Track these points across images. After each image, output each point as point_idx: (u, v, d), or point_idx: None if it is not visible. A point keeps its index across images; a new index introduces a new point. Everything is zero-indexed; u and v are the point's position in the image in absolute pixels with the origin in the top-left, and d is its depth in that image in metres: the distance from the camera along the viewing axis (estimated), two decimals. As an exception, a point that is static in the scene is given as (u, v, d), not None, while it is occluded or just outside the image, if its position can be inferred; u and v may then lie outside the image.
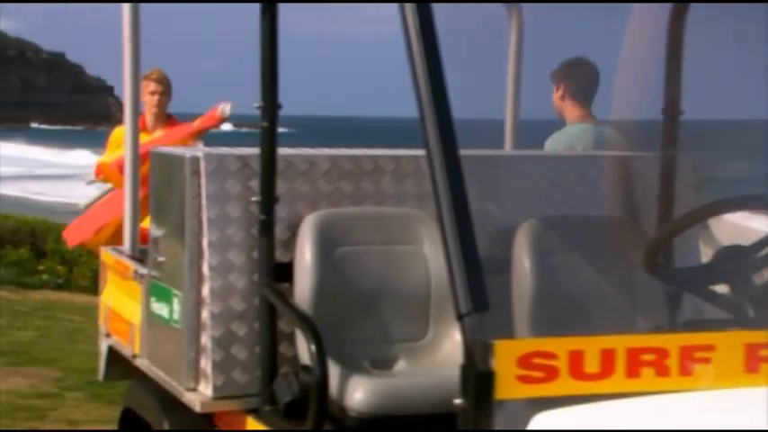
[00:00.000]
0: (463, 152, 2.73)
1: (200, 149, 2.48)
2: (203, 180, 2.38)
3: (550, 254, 2.33)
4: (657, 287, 2.21)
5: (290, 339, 2.39)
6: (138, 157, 3.07)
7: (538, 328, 2.23)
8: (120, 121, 4.21)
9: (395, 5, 1.65)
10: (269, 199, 2.30)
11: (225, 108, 4.24)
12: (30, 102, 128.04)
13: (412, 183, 2.55)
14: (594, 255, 2.32)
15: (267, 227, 2.31)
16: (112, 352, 3.03)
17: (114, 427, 4.58)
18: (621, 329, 2.21)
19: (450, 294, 2.38)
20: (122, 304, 2.92)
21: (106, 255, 3.10)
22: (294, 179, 2.45)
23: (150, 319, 2.65)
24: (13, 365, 5.66)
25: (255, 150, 2.45)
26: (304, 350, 2.25)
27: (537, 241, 2.31)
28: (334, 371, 2.14)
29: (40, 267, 11.64)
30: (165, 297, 2.54)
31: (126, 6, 2.97)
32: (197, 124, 4.42)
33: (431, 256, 2.41)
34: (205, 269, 2.38)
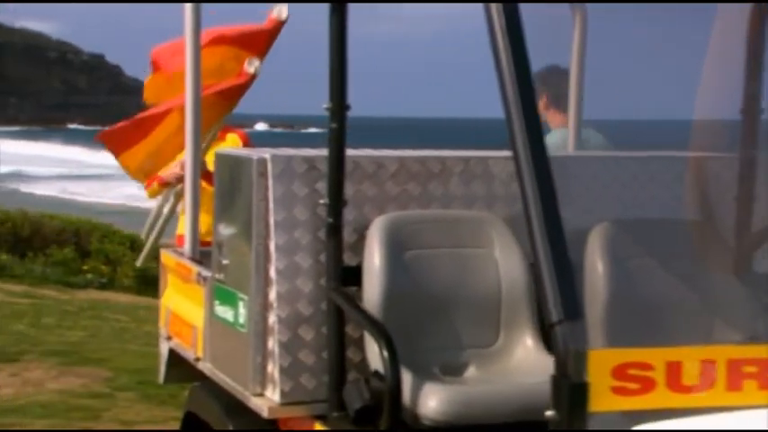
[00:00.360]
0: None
1: (267, 151, 2.45)
2: (270, 182, 2.35)
3: (625, 258, 2.27)
4: (745, 294, 2.13)
5: (358, 344, 2.36)
6: (200, 160, 3.05)
7: (611, 336, 2.16)
8: None
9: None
10: (337, 202, 2.26)
11: (253, 63, 3.59)
12: (70, 103, 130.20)
13: (480, 185, 2.50)
14: (672, 259, 2.25)
15: (335, 230, 2.27)
16: (173, 355, 3.02)
17: (166, 427, 4.62)
18: (702, 339, 2.14)
19: (521, 299, 2.35)
20: (184, 307, 2.90)
21: (167, 257, 3.09)
22: (361, 181, 2.41)
23: (214, 322, 2.63)
24: (64, 365, 5.72)
25: (322, 152, 2.42)
26: (374, 356, 2.21)
27: (611, 245, 2.25)
28: (405, 377, 2.09)
29: (85, 267, 11.80)
30: (229, 300, 2.52)
31: (188, 6, 2.96)
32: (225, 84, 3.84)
33: (501, 259, 2.35)
34: (272, 273, 2.35)
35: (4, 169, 41.11)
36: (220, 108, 3.64)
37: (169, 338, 3.01)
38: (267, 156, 2.37)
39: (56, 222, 12.52)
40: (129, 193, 33.53)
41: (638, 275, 2.26)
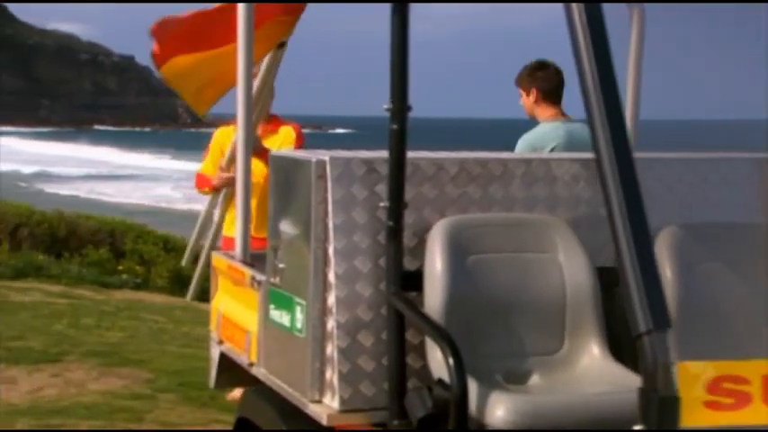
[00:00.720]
0: (586, 155, 2.63)
1: (325, 152, 2.41)
2: (330, 185, 2.31)
3: (693, 263, 2.20)
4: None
5: (417, 351, 2.31)
6: (251, 161, 3.02)
7: (680, 345, 2.09)
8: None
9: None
10: (398, 205, 2.22)
11: None
12: (100, 104, 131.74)
13: (542, 187, 2.44)
14: (744, 265, 2.18)
15: (395, 234, 2.23)
16: (224, 359, 2.99)
17: (210, 429, 4.60)
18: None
19: (586, 305, 2.29)
20: (236, 311, 2.87)
21: (218, 260, 3.07)
22: (421, 184, 2.36)
23: (269, 327, 2.59)
24: (105, 366, 5.73)
25: (380, 153, 2.38)
26: (437, 363, 2.16)
27: (678, 250, 2.18)
28: (470, 386, 2.04)
29: (120, 267, 11.87)
30: (285, 305, 2.48)
31: (241, 6, 2.94)
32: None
33: (566, 263, 2.29)
34: (331, 277, 2.31)
35: (30, 170, 41.73)
36: (280, 30, 3.49)
37: (220, 342, 2.98)
38: (326, 158, 2.33)
39: (91, 223, 12.62)
40: (155, 194, 33.95)
41: (706, 281, 2.20)
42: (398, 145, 2.21)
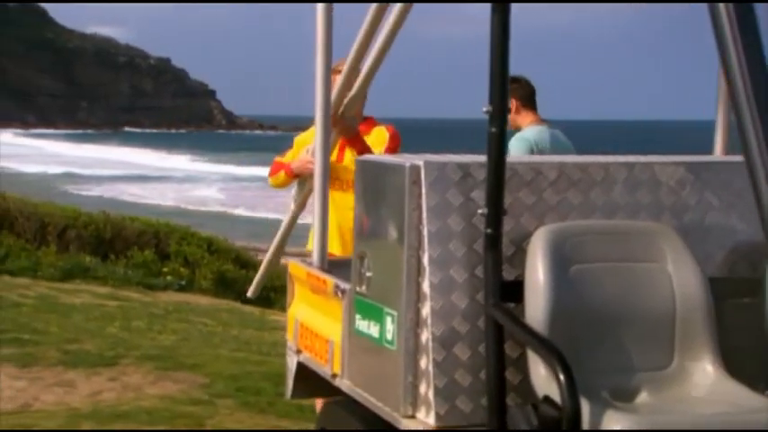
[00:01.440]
0: (692, 158, 2.50)
1: (419, 157, 2.31)
2: (424, 190, 2.21)
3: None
4: None
5: (515, 365, 2.20)
6: (329, 164, 2.94)
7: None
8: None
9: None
10: (497, 211, 2.12)
11: None
12: (137, 106, 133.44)
13: (645, 193, 2.32)
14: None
15: (494, 242, 2.12)
16: (301, 369, 2.90)
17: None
18: None
19: (698, 318, 2.16)
20: (316, 320, 2.79)
21: (295, 267, 2.98)
22: (519, 189, 2.26)
23: (354, 337, 2.50)
24: (160, 369, 5.70)
25: (476, 158, 2.28)
26: (541, 379, 2.05)
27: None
28: None
29: (164, 269, 11.92)
30: (374, 315, 2.39)
31: (320, 7, 2.86)
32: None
33: (675, 274, 2.17)
34: (425, 287, 2.21)
35: (56, 170, 42.43)
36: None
37: (298, 352, 2.90)
38: (420, 162, 2.23)
39: (136, 225, 12.69)
40: (183, 196, 34.18)
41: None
42: (498, 149, 2.11)
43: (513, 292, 2.17)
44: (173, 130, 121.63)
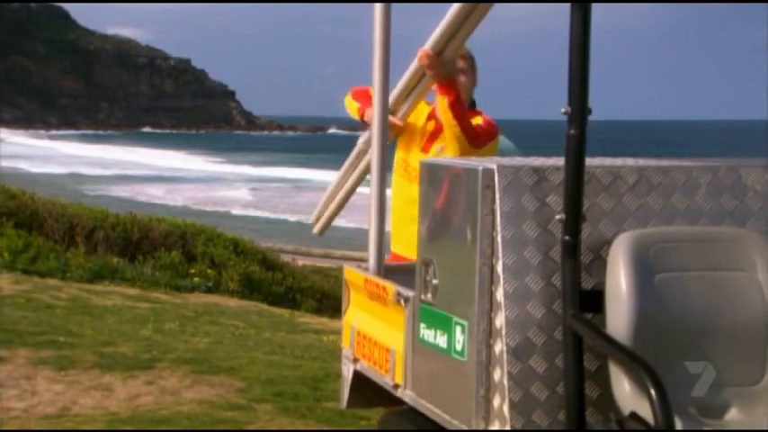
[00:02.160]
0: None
1: (491, 160, 2.23)
2: (498, 195, 2.13)
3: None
4: None
5: (594, 378, 2.11)
6: (386, 159, 2.85)
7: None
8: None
9: None
10: (576, 217, 2.02)
11: None
12: (157, 107, 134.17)
13: (730, 198, 2.22)
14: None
15: (572, 249, 2.03)
16: (357, 378, 2.83)
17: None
18: None
19: None
20: (375, 328, 2.71)
21: (351, 273, 2.91)
22: (596, 194, 2.16)
23: (419, 347, 2.42)
24: (196, 373, 5.65)
25: (550, 161, 2.19)
26: (626, 394, 1.96)
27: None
28: None
29: (192, 270, 11.89)
30: (441, 325, 2.31)
31: (378, 6, 2.78)
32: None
33: (766, 284, 2.07)
34: (499, 296, 2.12)
35: (62, 170, 43.00)
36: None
37: (356, 361, 2.82)
38: (493, 166, 2.15)
39: (163, 226, 12.66)
40: (191, 196, 34.32)
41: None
42: (577, 152, 2.02)
43: (592, 301, 2.08)
44: (192, 131, 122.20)
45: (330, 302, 12.96)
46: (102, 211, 12.21)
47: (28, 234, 10.76)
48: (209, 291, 11.42)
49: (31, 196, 11.78)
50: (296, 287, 12.72)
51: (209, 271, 12.07)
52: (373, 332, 2.71)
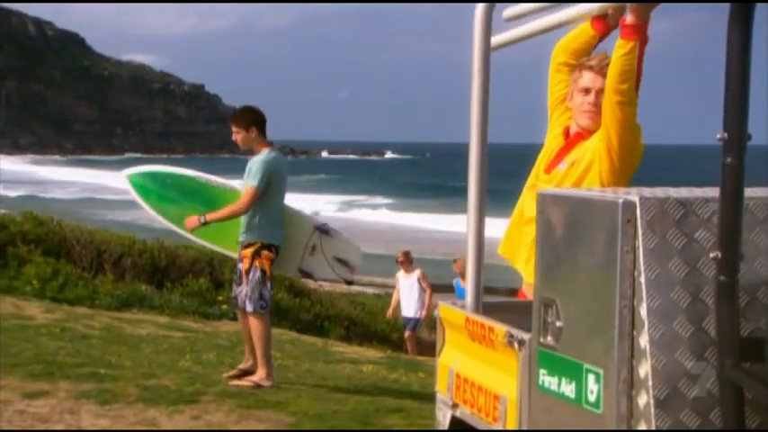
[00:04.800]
0: None
1: (630, 191, 2.04)
2: (641, 231, 1.93)
3: None
4: None
5: None
6: (485, 187, 2.66)
7: None
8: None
9: None
10: (733, 255, 1.83)
11: None
12: (171, 131, 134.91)
13: None
14: None
15: (730, 291, 1.83)
16: (456, 424, 2.62)
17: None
18: None
19: None
20: (479, 371, 2.50)
21: (448, 311, 2.71)
22: (751, 229, 1.97)
23: (537, 395, 2.21)
24: (243, 408, 5.44)
25: (696, 192, 1.99)
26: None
27: None
28: None
29: (219, 298, 11.70)
30: (568, 372, 2.10)
31: (479, 7, 2.61)
32: None
33: None
34: (643, 343, 1.92)
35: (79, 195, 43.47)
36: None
37: (455, 406, 2.61)
38: (635, 198, 1.96)
39: (190, 252, 12.50)
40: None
41: None
42: (735, 183, 1.82)
43: (753, 350, 1.87)
44: (206, 155, 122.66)
45: (358, 330, 12.74)
46: (129, 238, 12.07)
47: (56, 261, 10.62)
48: (236, 318, 11.22)
49: (59, 223, 11.66)
50: (324, 314, 12.51)
51: (236, 298, 11.90)
52: (477, 376, 2.51)
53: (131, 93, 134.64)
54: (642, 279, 1.93)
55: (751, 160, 1.87)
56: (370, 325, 12.94)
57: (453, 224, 33.14)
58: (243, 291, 6.04)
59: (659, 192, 2.04)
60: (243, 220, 5.98)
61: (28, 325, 7.59)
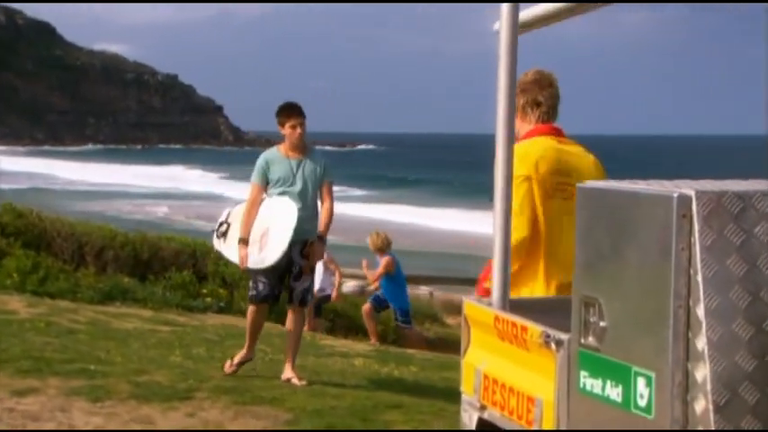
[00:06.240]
0: None
1: (685, 184, 1.94)
2: (697, 227, 1.84)
3: None
4: None
5: None
6: (511, 182, 2.56)
7: None
8: None
9: None
10: None
11: None
12: (145, 122, 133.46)
13: None
14: None
15: None
16: (483, 426, 2.52)
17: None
18: None
19: None
20: (510, 372, 2.41)
21: (473, 308, 2.61)
22: (756, 223, 1.88)
23: (578, 398, 2.12)
24: (238, 404, 5.31)
25: (754, 185, 1.91)
26: None
27: None
28: None
29: (203, 290, 11.52)
30: (614, 374, 2.01)
31: (504, 6, 2.51)
32: None
33: None
34: (700, 345, 1.84)
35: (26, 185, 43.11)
36: None
37: (482, 408, 2.52)
38: (691, 192, 1.86)
39: (173, 245, 12.30)
40: (150, 211, 33.88)
41: None
42: None
43: None
44: (180, 146, 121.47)
45: (343, 322, 12.61)
46: (110, 230, 11.84)
47: (36, 254, 10.39)
48: (221, 311, 11.05)
49: (39, 215, 11.40)
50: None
51: (221, 291, 11.72)
52: (508, 377, 2.41)
53: (104, 83, 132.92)
54: (699, 278, 1.84)
55: (755, 153, 1.79)
56: (355, 317, 12.84)
57: (415, 216, 33.02)
58: (303, 285, 6.01)
59: (713, 185, 1.95)
60: (309, 213, 5.94)
61: (12, 320, 7.39)
